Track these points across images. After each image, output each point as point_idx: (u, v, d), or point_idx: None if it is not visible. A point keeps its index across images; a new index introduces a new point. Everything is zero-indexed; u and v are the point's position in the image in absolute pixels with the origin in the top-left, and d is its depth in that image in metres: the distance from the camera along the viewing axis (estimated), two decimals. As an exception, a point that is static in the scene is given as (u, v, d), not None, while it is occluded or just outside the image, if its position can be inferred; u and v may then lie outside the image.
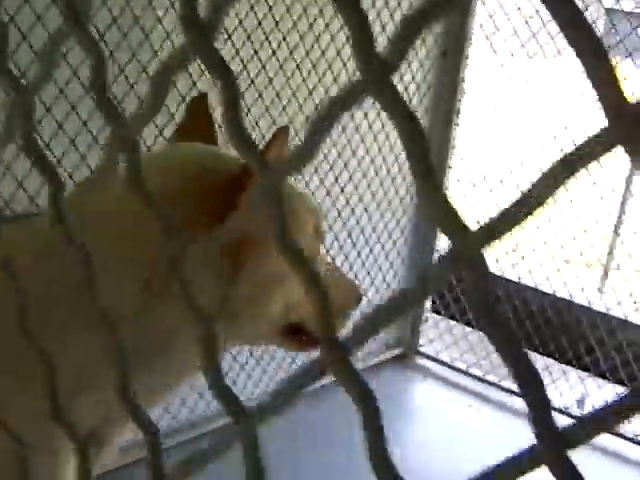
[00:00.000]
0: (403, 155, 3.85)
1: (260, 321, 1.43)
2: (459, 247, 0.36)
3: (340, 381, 0.42)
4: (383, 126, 3.80)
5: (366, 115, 3.70)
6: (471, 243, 0.36)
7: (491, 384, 4.04)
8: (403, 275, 4.24)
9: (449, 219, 0.37)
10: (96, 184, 1.36)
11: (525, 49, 4.15)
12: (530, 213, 0.35)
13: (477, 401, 3.90)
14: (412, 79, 3.93)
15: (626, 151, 0.33)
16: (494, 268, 4.30)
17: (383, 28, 3.51)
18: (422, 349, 4.33)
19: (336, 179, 3.70)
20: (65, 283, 1.17)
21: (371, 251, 4.01)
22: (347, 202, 3.79)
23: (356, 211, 3.86)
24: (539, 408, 0.36)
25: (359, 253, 3.94)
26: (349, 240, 3.87)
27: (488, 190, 4.04)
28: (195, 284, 0.51)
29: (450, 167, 4.11)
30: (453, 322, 4.29)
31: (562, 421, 0.32)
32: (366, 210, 3.90)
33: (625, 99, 0.33)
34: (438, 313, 4.38)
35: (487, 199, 4.01)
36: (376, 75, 0.38)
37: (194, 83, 2.88)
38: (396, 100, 0.38)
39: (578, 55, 0.34)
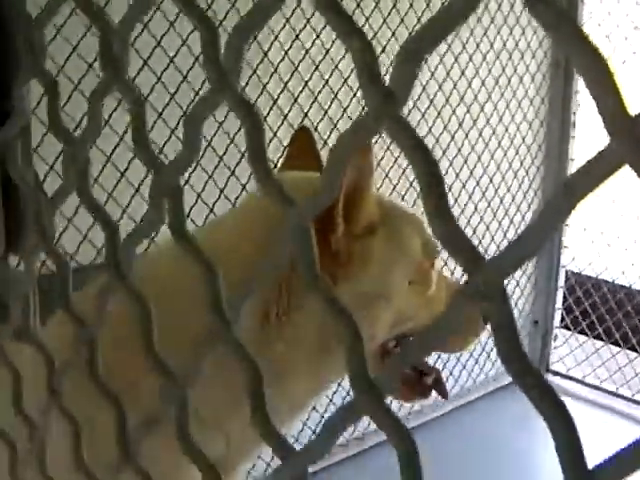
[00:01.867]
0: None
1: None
2: (476, 280, 0.35)
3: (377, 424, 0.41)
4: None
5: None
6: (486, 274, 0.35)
7: (625, 398, 3.95)
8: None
9: (465, 251, 0.36)
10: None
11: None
12: (543, 241, 0.34)
13: (612, 416, 3.81)
14: (525, 93, 3.90)
15: (632, 168, 0.32)
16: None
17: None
18: (554, 366, 4.28)
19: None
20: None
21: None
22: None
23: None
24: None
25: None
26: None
27: (611, 201, 3.95)
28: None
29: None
30: (583, 337, 4.20)
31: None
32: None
33: (627, 112, 0.31)
34: (567, 329, 4.30)
35: (609, 208, 3.93)
36: (383, 110, 0.37)
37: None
38: (406, 130, 0.37)
39: (576, 69, 0.33)
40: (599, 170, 0.32)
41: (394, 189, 3.37)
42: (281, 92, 2.95)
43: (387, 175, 3.33)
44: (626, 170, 0.32)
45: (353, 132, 0.39)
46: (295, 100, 2.99)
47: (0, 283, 0.82)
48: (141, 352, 0.58)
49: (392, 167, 3.34)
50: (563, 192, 0.33)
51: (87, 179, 0.62)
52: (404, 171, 3.38)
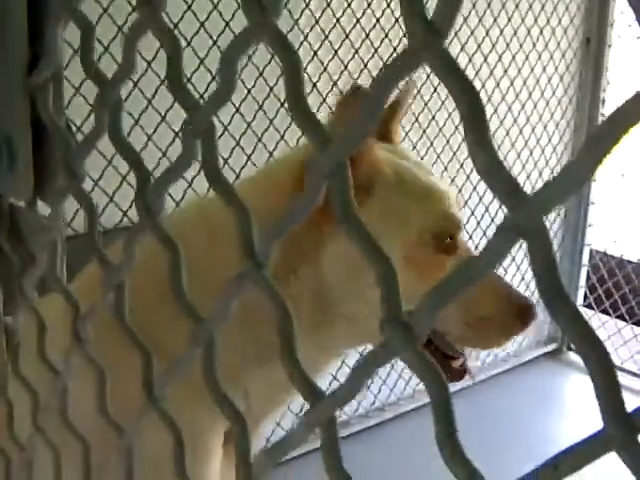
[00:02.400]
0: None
1: (359, 305, 1.34)
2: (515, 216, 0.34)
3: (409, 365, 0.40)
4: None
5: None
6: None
7: (646, 379, 3.95)
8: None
9: (505, 185, 0.35)
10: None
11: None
12: (585, 177, 0.33)
13: (632, 396, 3.80)
14: (555, 69, 3.87)
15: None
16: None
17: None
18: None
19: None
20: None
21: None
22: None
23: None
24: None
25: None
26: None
27: (638, 180, 3.93)
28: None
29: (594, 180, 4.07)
30: (606, 317, 4.18)
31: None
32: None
33: None
34: (590, 308, 4.28)
35: (636, 187, 3.91)
36: (426, 42, 0.37)
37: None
38: (448, 62, 0.36)
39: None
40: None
41: (424, 133, 3.36)
42: (321, 44, 2.94)
43: (417, 119, 3.32)
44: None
45: (395, 66, 0.39)
46: (335, 53, 2.98)
47: (28, 231, 0.81)
48: (168, 296, 0.58)
49: (422, 112, 3.32)
50: (606, 127, 0.32)
51: (119, 121, 0.62)
52: (433, 117, 3.37)
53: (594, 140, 0.32)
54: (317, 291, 1.33)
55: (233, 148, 2.75)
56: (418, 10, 0.37)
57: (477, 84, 3.52)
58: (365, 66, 3.07)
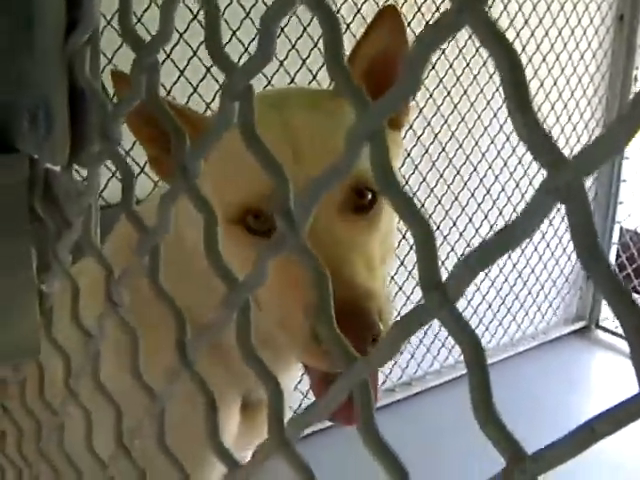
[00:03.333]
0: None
1: None
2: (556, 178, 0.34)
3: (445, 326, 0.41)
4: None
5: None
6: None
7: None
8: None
9: (546, 147, 0.35)
10: None
11: None
12: (626, 140, 0.33)
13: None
14: (588, 46, 3.85)
15: None
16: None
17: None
18: (603, 323, 4.26)
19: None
20: None
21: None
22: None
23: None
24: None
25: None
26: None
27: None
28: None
29: (627, 157, 4.05)
30: (635, 295, 4.17)
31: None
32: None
33: None
34: (619, 286, 4.27)
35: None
36: (466, 3, 0.37)
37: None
38: (488, 24, 0.36)
39: None
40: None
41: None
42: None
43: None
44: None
45: (434, 28, 0.39)
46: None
47: (63, 196, 0.82)
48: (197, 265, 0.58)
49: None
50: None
51: (157, 86, 0.62)
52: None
53: (635, 104, 0.32)
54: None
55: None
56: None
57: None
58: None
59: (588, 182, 4.04)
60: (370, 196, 1.24)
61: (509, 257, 3.84)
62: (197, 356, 0.63)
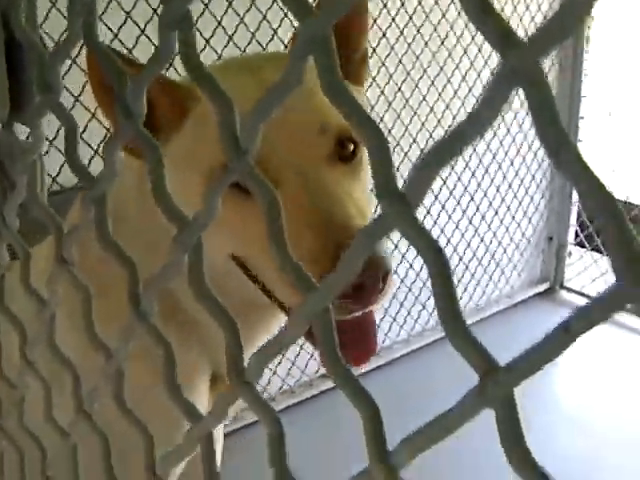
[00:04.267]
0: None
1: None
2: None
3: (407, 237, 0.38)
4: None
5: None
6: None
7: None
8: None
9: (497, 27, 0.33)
10: None
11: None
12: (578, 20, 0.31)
13: (626, 332, 3.81)
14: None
15: None
16: None
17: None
18: (568, 283, 4.27)
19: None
20: None
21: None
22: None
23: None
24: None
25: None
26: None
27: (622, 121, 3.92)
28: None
29: (582, 117, 4.05)
30: (597, 254, 4.17)
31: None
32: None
33: None
34: (582, 246, 4.28)
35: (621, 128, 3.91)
36: None
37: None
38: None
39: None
40: None
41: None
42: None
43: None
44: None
45: None
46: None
47: (6, 156, 0.79)
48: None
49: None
50: None
51: (94, 27, 0.60)
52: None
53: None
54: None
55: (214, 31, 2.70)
56: None
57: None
58: None
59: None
60: (352, 147, 1.27)
61: (470, 222, 3.83)
62: (151, 308, 0.60)
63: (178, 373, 0.62)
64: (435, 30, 3.40)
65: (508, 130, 3.84)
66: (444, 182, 3.63)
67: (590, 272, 4.15)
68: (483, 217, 3.89)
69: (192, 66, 0.49)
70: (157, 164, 0.54)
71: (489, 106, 0.33)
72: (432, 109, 3.51)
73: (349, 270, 0.41)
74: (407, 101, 3.39)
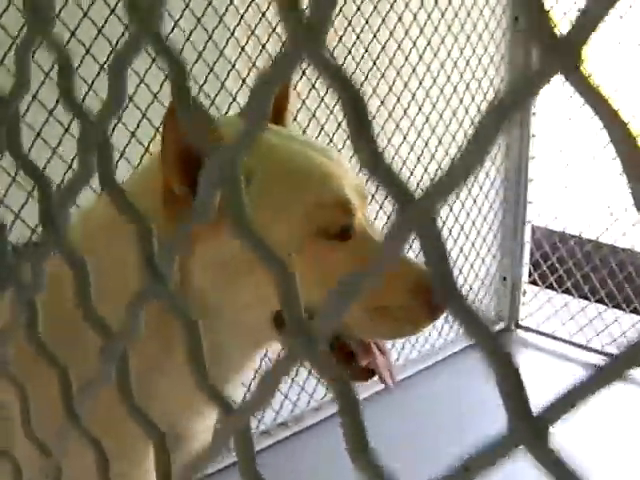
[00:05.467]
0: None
1: (238, 309, 1.27)
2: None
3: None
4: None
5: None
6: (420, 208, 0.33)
7: (596, 351, 3.96)
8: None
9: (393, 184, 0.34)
10: None
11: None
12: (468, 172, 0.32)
13: (580, 368, 3.83)
14: (485, 51, 3.88)
15: None
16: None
17: None
18: (523, 322, 4.29)
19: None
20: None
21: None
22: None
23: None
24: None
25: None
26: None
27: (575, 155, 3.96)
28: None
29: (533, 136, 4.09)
30: (552, 292, 4.20)
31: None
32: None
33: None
34: (535, 284, 4.31)
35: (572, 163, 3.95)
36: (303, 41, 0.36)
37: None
38: (327, 62, 0.35)
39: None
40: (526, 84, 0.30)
41: (322, 129, 3.23)
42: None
43: (314, 115, 3.19)
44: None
45: (274, 66, 0.38)
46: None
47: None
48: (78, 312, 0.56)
49: (319, 106, 3.18)
50: (493, 116, 0.31)
51: (18, 135, 0.60)
52: (332, 111, 3.24)
53: (478, 134, 0.31)
54: (193, 302, 1.23)
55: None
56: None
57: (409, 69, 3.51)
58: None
59: (496, 183, 4.08)
60: None
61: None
62: (97, 409, 0.61)
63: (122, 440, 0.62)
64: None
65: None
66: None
67: (545, 310, 4.17)
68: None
69: (108, 186, 0.50)
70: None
71: (389, 254, 0.34)
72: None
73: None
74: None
